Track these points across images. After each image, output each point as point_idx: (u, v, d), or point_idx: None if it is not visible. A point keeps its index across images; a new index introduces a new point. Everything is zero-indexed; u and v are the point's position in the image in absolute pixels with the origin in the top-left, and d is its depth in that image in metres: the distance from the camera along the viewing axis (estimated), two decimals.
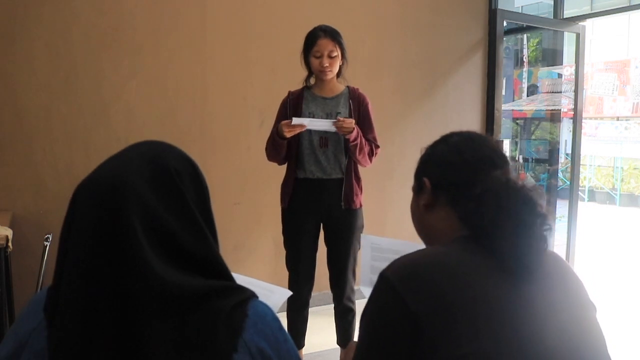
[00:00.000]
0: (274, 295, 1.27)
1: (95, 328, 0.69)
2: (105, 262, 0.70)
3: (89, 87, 2.91)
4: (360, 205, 2.51)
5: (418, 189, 1.03)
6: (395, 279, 0.83)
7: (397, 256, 0.89)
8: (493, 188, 0.89)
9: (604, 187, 10.10)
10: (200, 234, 0.78)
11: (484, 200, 0.88)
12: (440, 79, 4.04)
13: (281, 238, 2.58)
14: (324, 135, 2.42)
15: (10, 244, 2.23)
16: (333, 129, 2.33)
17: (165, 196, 0.76)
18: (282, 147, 2.40)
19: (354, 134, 2.33)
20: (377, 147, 2.49)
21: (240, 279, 0.85)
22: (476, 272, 0.83)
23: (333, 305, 2.59)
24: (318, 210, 2.47)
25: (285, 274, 2.55)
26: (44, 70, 2.81)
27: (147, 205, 0.74)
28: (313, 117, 2.41)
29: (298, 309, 2.55)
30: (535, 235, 0.86)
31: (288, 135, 2.32)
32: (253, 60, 3.32)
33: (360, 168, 2.50)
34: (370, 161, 2.48)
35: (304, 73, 2.51)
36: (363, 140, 2.39)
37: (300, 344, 2.60)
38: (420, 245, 1.03)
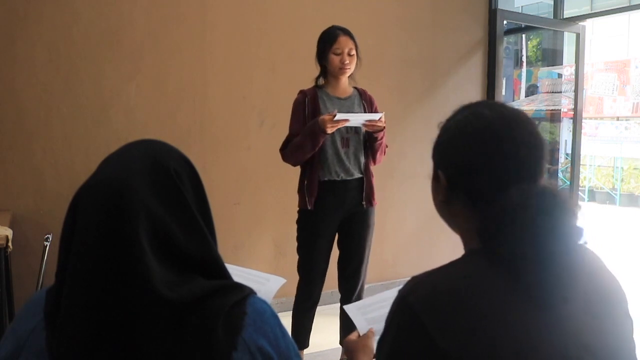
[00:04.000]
0: (268, 283, 1.28)
1: (97, 331, 0.70)
2: (108, 267, 0.71)
3: (89, 87, 2.91)
4: (376, 203, 2.56)
5: (435, 176, 0.90)
6: (420, 308, 0.74)
7: (385, 306, 0.82)
8: (517, 212, 0.76)
9: (604, 187, 10.10)
10: (200, 235, 0.79)
11: (506, 225, 0.76)
12: (440, 79, 4.04)
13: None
14: (345, 135, 2.42)
15: (10, 244, 2.23)
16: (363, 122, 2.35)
17: (167, 199, 0.77)
18: (318, 144, 2.33)
19: (382, 132, 2.40)
20: (386, 145, 2.55)
21: (234, 269, 0.86)
22: (505, 305, 0.74)
23: (339, 303, 2.59)
24: (340, 211, 2.47)
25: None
26: (44, 70, 2.81)
27: (150, 210, 0.74)
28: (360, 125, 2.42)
29: (307, 309, 2.55)
30: (568, 265, 0.75)
31: (330, 130, 2.26)
32: (253, 60, 3.32)
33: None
34: (382, 157, 2.56)
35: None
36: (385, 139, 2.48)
37: (305, 344, 2.60)
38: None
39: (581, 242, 0.78)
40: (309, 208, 2.42)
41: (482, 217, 0.80)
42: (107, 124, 2.95)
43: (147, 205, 0.74)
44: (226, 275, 0.81)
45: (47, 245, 2.36)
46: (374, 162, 2.52)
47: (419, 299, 0.75)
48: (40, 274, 2.32)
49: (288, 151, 2.42)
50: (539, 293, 0.74)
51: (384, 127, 2.37)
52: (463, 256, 0.84)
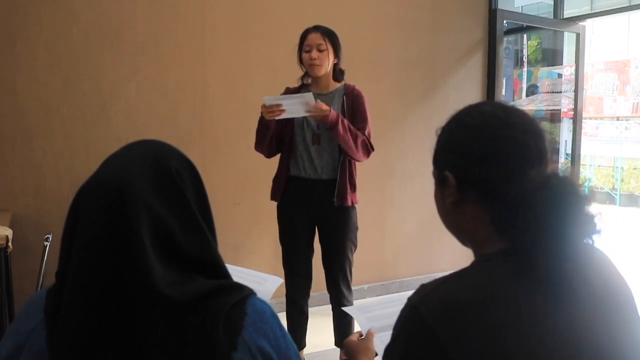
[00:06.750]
0: (266, 283, 1.28)
1: (97, 330, 0.70)
2: (109, 267, 0.71)
3: (89, 87, 2.91)
4: (354, 204, 2.46)
5: (440, 181, 0.87)
6: (433, 319, 0.72)
7: (384, 307, 0.81)
8: (529, 194, 0.75)
9: (604, 187, 10.09)
10: (201, 235, 0.79)
11: (520, 209, 0.75)
12: (440, 79, 4.04)
13: None
14: (316, 132, 2.39)
15: (10, 244, 2.23)
16: (306, 112, 2.25)
17: (168, 198, 0.77)
18: (267, 130, 2.35)
19: (330, 120, 2.24)
20: (371, 143, 2.41)
21: (231, 269, 0.86)
22: (521, 315, 0.73)
23: (330, 305, 2.58)
24: (310, 209, 2.45)
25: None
26: (44, 70, 2.81)
27: (152, 209, 0.74)
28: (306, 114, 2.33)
29: (296, 309, 2.54)
30: (581, 251, 0.75)
31: (268, 117, 2.26)
32: (253, 60, 3.32)
33: (355, 166, 2.46)
34: (364, 154, 2.39)
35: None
36: (348, 129, 2.30)
37: (301, 344, 2.59)
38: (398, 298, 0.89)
39: (596, 234, 0.77)
40: (275, 201, 2.52)
41: (497, 206, 0.78)
42: (107, 124, 2.95)
43: (148, 205, 0.74)
44: (226, 275, 0.81)
45: (47, 245, 2.36)
46: (351, 157, 2.39)
47: (431, 309, 0.73)
48: (40, 274, 2.32)
49: (255, 139, 2.46)
50: (554, 285, 0.73)
51: (327, 114, 2.22)
52: (474, 264, 0.81)
